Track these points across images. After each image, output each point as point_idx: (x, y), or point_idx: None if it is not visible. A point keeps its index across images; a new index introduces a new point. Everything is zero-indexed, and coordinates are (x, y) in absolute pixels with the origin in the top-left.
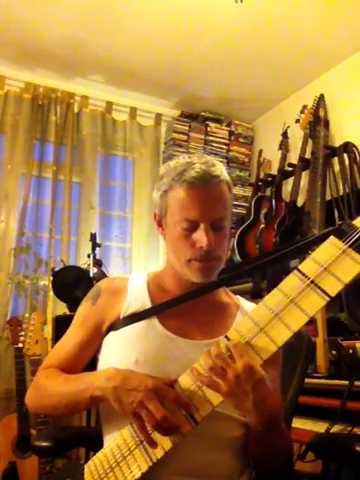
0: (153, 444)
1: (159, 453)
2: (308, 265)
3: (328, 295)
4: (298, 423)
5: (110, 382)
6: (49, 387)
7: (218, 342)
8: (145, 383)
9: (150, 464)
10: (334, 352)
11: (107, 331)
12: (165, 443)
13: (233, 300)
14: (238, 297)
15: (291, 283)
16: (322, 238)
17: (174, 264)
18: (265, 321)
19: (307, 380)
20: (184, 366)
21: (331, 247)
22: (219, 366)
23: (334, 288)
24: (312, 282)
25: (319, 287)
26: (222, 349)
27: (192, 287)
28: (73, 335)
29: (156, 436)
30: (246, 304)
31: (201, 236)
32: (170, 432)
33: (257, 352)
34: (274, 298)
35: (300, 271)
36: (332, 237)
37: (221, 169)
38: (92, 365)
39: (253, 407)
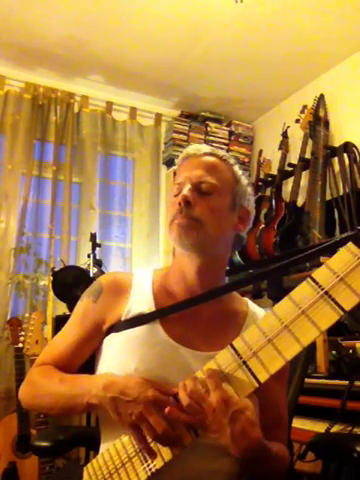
0: (152, 454)
1: (159, 463)
2: (322, 273)
3: (342, 309)
4: (298, 423)
5: (108, 392)
6: (44, 386)
7: (194, 376)
8: (144, 394)
9: (149, 474)
10: (334, 352)
11: (107, 331)
12: (165, 454)
13: (242, 306)
14: (247, 301)
15: (303, 292)
16: (339, 243)
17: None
18: (274, 332)
19: (307, 380)
20: (185, 377)
21: (348, 255)
22: (194, 403)
23: (349, 302)
24: (326, 293)
25: (333, 299)
26: (198, 383)
27: (199, 290)
28: (71, 332)
29: (156, 446)
30: (255, 311)
31: (180, 193)
32: (170, 444)
33: (264, 365)
34: (284, 307)
35: (313, 279)
36: (350, 244)
37: (223, 153)
38: (89, 363)
39: (231, 441)
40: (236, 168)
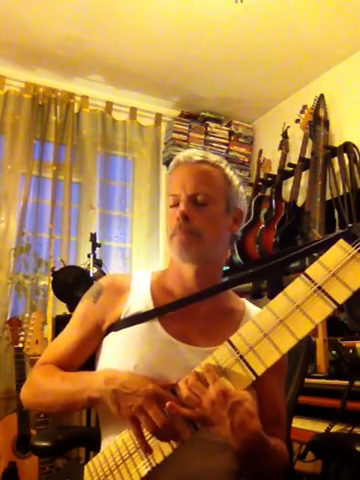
0: (149, 451)
1: (158, 458)
2: (315, 270)
3: (335, 302)
4: (298, 423)
5: (109, 385)
6: (45, 384)
7: (194, 371)
8: (145, 388)
9: (149, 469)
10: (334, 352)
11: (107, 331)
12: (165, 448)
13: (238, 305)
14: (244, 301)
15: (297, 288)
16: (331, 241)
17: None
18: (269, 327)
19: (307, 380)
20: (184, 373)
21: (340, 251)
22: (194, 395)
23: (342, 295)
24: (319, 288)
25: (326, 293)
26: (202, 372)
27: (196, 289)
28: (72, 332)
29: (156, 441)
30: (252, 310)
31: (178, 207)
32: (169, 438)
33: (260, 359)
34: (279, 303)
35: (307, 275)
36: (341, 241)
37: (214, 157)
38: (89, 363)
39: (231, 433)
40: (227, 170)
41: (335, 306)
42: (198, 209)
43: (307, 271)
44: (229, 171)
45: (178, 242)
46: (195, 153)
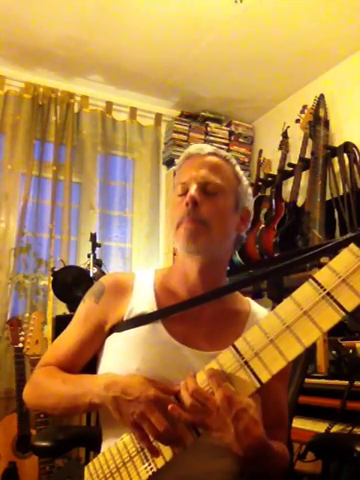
0: (155, 453)
1: (160, 463)
2: (324, 274)
3: (344, 310)
4: (298, 423)
5: (109, 391)
6: (48, 386)
7: (192, 375)
8: (146, 394)
9: (150, 473)
10: (334, 352)
11: (110, 331)
12: (166, 453)
13: (244, 306)
14: (249, 301)
15: (305, 293)
16: (341, 245)
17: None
18: (276, 333)
19: (307, 380)
20: (187, 376)
21: (351, 256)
22: (197, 402)
23: (351, 302)
24: (328, 294)
25: (335, 300)
26: (203, 378)
27: (200, 290)
28: (73, 333)
29: (157, 446)
30: (258, 311)
31: (188, 193)
32: (172, 443)
33: (265, 365)
34: (286, 308)
35: (315, 280)
36: (352, 245)
37: (225, 153)
38: (92, 364)
39: (235, 439)
40: (238, 168)
41: (344, 313)
42: (208, 197)
43: (316, 275)
44: (239, 169)
45: (185, 231)
46: (206, 146)
